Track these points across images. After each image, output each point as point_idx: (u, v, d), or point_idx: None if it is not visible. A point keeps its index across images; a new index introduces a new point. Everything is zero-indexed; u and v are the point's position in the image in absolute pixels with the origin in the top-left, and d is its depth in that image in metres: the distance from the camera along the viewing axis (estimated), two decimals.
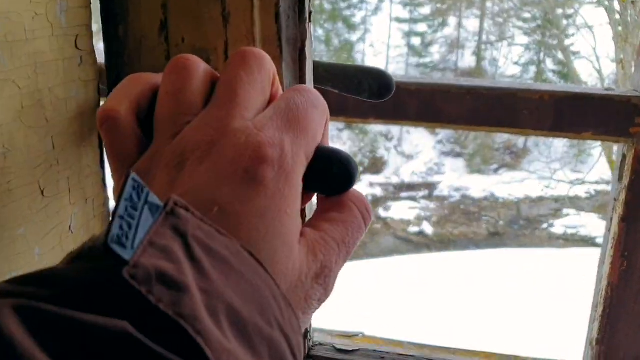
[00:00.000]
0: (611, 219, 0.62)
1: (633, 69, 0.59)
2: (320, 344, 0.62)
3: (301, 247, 0.31)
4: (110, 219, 0.24)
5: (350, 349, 0.61)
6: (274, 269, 0.29)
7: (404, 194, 10.48)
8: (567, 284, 6.64)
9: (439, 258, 8.22)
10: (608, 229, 0.63)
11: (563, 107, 0.58)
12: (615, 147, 0.72)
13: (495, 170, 10.90)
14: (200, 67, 0.35)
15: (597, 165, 9.36)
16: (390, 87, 0.46)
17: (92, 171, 0.44)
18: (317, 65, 0.48)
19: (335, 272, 0.32)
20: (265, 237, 0.29)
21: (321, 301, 0.32)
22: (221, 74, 0.34)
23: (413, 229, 9.63)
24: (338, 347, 0.61)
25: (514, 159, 10.95)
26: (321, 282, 0.31)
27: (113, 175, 0.36)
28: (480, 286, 6.75)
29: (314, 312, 0.32)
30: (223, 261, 0.25)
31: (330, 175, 0.34)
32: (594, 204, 9.69)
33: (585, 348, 0.68)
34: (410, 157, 11.31)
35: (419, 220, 9.80)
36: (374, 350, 0.62)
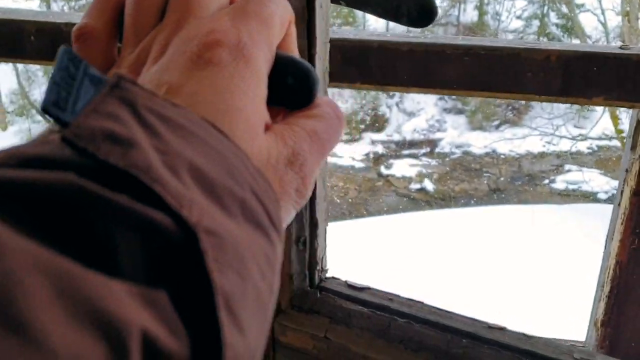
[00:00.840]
0: (621, 192, 0.56)
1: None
2: (334, 278, 0.64)
3: (268, 135, 0.29)
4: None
5: (361, 287, 0.62)
6: (239, 145, 0.27)
7: (405, 152, 10.43)
8: (568, 240, 6.64)
9: (440, 215, 8.22)
10: (618, 203, 0.57)
11: (572, 69, 0.52)
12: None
13: (497, 127, 10.82)
14: None
15: (601, 121, 9.27)
16: (432, 12, 0.42)
17: None
18: None
19: (310, 162, 0.30)
20: (226, 113, 0.27)
21: (300, 192, 0.30)
22: None
23: (414, 186, 9.61)
24: (350, 283, 0.63)
25: (516, 115, 10.85)
26: (296, 170, 0.29)
27: None
28: (481, 242, 6.76)
29: (294, 205, 0.30)
30: (181, 128, 0.23)
31: (285, 86, 0.31)
32: (596, 159, 9.63)
33: (588, 328, 0.63)
34: (412, 114, 11.21)
35: (421, 177, 9.78)
36: (384, 291, 0.62)
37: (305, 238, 0.59)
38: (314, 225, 0.58)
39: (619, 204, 0.57)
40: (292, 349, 0.60)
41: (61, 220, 0.19)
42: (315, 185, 0.55)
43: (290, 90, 0.31)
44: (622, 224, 0.56)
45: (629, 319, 0.59)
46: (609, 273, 0.59)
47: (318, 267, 0.62)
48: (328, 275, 0.65)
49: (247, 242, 0.23)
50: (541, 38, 11.15)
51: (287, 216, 0.30)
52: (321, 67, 0.48)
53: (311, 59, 0.47)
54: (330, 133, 0.32)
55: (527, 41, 0.53)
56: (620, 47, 0.53)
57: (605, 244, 0.61)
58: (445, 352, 0.53)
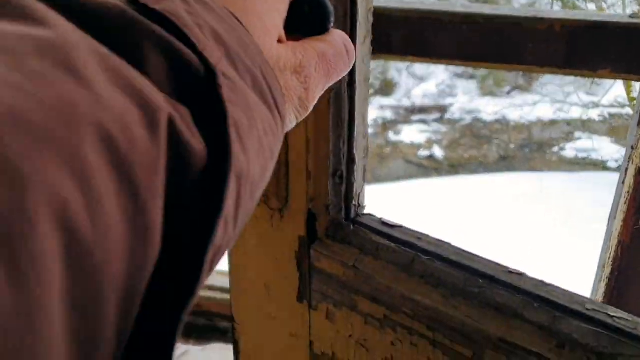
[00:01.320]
0: (626, 170, 0.53)
1: None
2: (370, 215, 0.67)
3: (280, 45, 0.32)
4: None
5: (393, 225, 0.66)
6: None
7: (415, 117, 10.34)
8: (576, 208, 6.61)
9: (449, 182, 8.19)
10: (622, 181, 0.55)
11: (576, 39, 0.48)
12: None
13: (508, 93, 10.69)
14: None
15: (613, 88, 9.14)
16: None
17: None
18: None
19: (315, 79, 0.33)
20: (245, 12, 0.30)
21: (302, 102, 0.33)
22: None
23: (423, 152, 9.56)
24: (384, 220, 0.66)
25: (527, 82, 10.71)
26: (301, 80, 0.32)
27: None
28: (490, 210, 6.75)
29: (296, 113, 0.33)
30: (206, 4, 0.27)
31: (303, 15, 0.34)
32: (607, 127, 9.53)
33: None
34: (422, 79, 11.08)
35: (430, 143, 9.72)
36: (415, 231, 0.66)
37: (342, 172, 0.62)
38: (351, 160, 0.60)
39: (623, 182, 0.55)
40: (325, 273, 0.64)
41: (109, 32, 0.22)
42: (354, 121, 0.56)
43: (306, 18, 0.35)
44: (625, 202, 0.54)
45: (630, 300, 0.57)
46: (610, 254, 0.57)
47: (354, 202, 0.65)
48: (365, 212, 0.68)
49: (254, 103, 0.26)
50: (555, 1, 10.93)
51: (289, 121, 0.33)
52: (364, 5, 0.50)
53: None
54: (337, 59, 0.35)
55: (529, 9, 0.51)
56: (630, 17, 0.50)
57: (608, 224, 0.58)
58: (462, 289, 0.56)
